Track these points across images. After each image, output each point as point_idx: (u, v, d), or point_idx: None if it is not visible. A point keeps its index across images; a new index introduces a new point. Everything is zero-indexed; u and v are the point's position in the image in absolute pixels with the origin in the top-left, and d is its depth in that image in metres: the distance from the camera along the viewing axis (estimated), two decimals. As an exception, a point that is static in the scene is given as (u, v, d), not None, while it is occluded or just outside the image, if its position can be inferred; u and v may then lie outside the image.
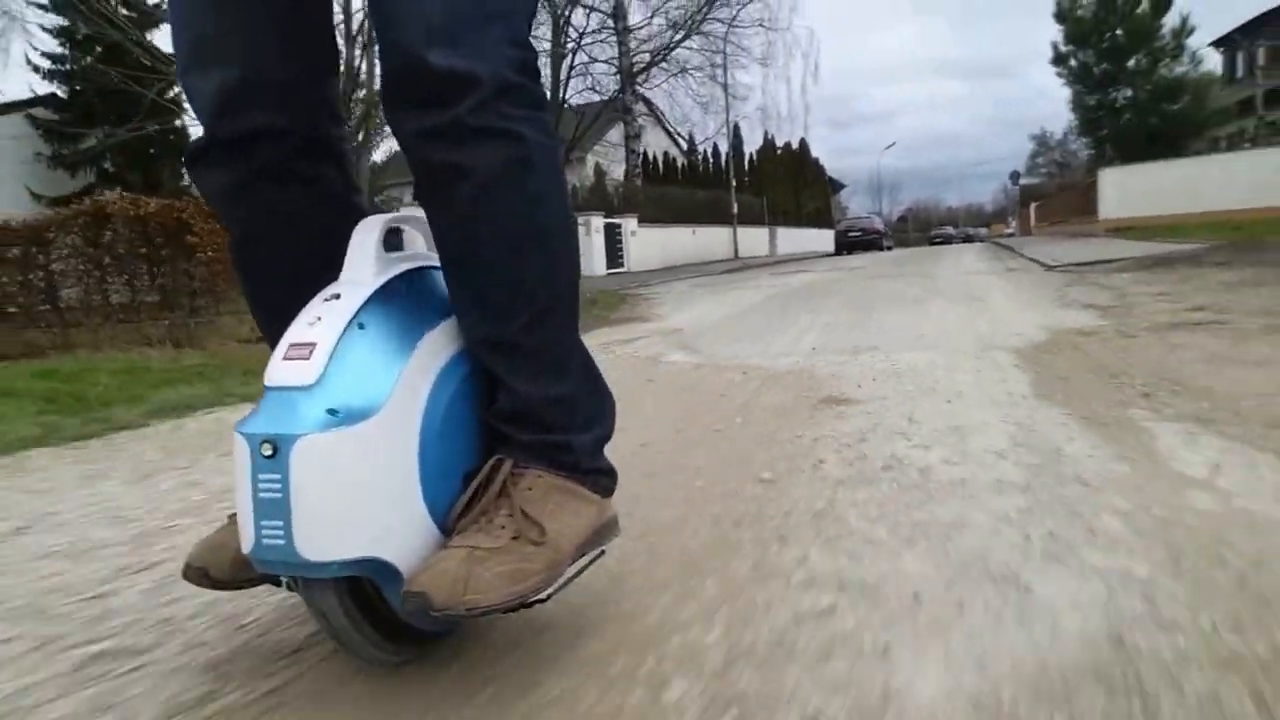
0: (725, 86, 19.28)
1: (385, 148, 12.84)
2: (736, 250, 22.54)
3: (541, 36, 16.69)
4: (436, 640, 0.94)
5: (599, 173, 19.55)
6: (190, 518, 1.55)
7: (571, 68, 17.79)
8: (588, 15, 18.12)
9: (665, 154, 24.24)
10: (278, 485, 0.77)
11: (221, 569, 0.89)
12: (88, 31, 14.84)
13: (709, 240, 20.97)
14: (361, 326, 0.83)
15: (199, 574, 0.90)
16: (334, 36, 1.03)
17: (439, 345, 0.90)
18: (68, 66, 16.35)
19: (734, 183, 23.15)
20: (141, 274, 7.62)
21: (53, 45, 16.34)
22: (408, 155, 0.86)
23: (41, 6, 15.83)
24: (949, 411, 2.03)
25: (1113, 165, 16.89)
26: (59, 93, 16.44)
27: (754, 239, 24.92)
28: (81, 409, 2.92)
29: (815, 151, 34.46)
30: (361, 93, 11.27)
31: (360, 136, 11.53)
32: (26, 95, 16.14)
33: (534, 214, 0.88)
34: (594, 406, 0.98)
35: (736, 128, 23.94)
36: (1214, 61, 22.68)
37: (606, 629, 0.98)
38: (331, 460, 0.77)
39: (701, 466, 1.69)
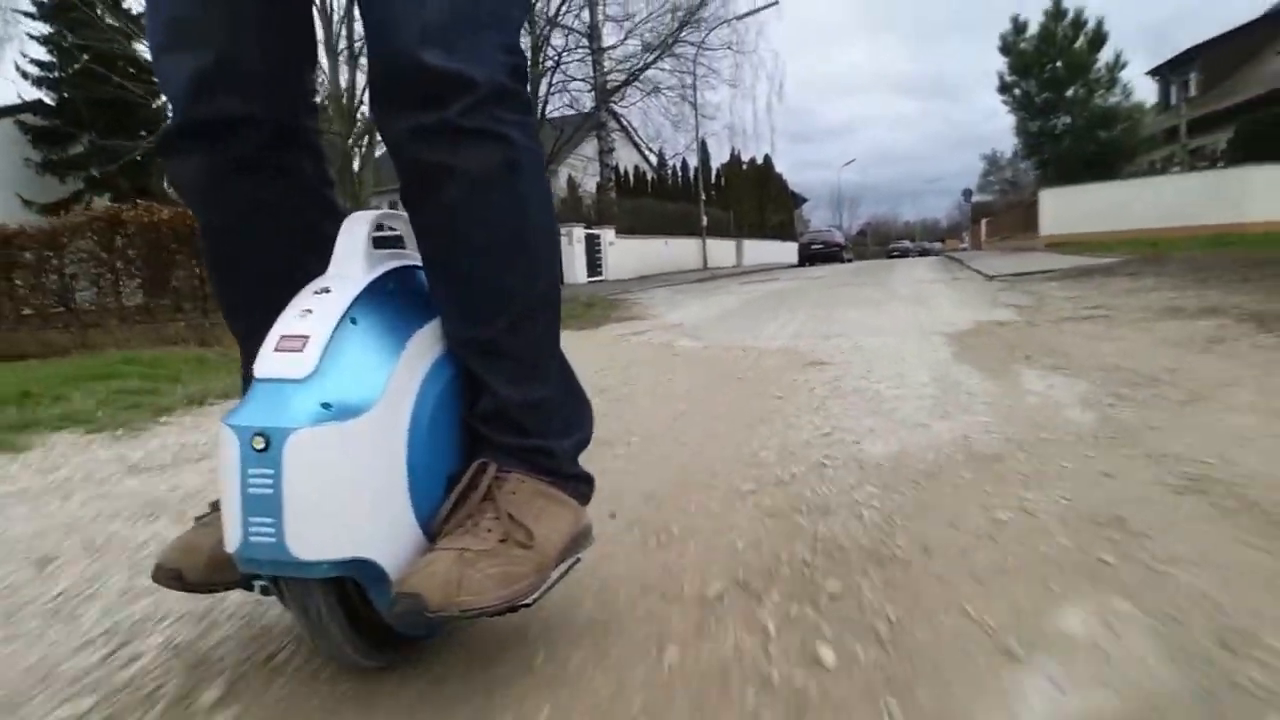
0: (695, 106, 20.33)
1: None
2: (706, 261, 23.61)
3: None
4: (414, 645, 0.93)
5: (572, 185, 20.44)
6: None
7: (550, 85, 18.68)
8: (566, 36, 19.03)
9: (636, 168, 25.22)
10: (269, 480, 0.75)
11: (195, 571, 0.87)
12: (75, 41, 15.24)
13: (680, 251, 22.00)
14: (354, 321, 0.83)
15: (170, 575, 0.87)
16: (313, 27, 1.02)
17: (426, 345, 0.90)
18: (55, 74, 16.73)
19: (703, 197, 24.24)
20: (155, 278, 8.13)
21: (40, 52, 16.75)
22: (396, 155, 0.87)
23: (30, 15, 16.24)
24: (895, 367, 2.99)
25: (1052, 186, 18.45)
26: (46, 99, 16.81)
27: (722, 250, 26.06)
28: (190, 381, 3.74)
29: (778, 166, 35.87)
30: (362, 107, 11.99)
31: (365, 144, 12.24)
32: (14, 101, 16.47)
33: (520, 217, 0.90)
34: (572, 412, 1.00)
35: (704, 143, 25.02)
36: (1151, 90, 24.57)
37: (708, 461, 1.89)
38: (325, 455, 0.76)
39: (734, 394, 2.62)
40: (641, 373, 3.28)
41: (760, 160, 32.70)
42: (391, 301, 0.88)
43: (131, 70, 15.33)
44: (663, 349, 4.25)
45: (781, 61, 41.01)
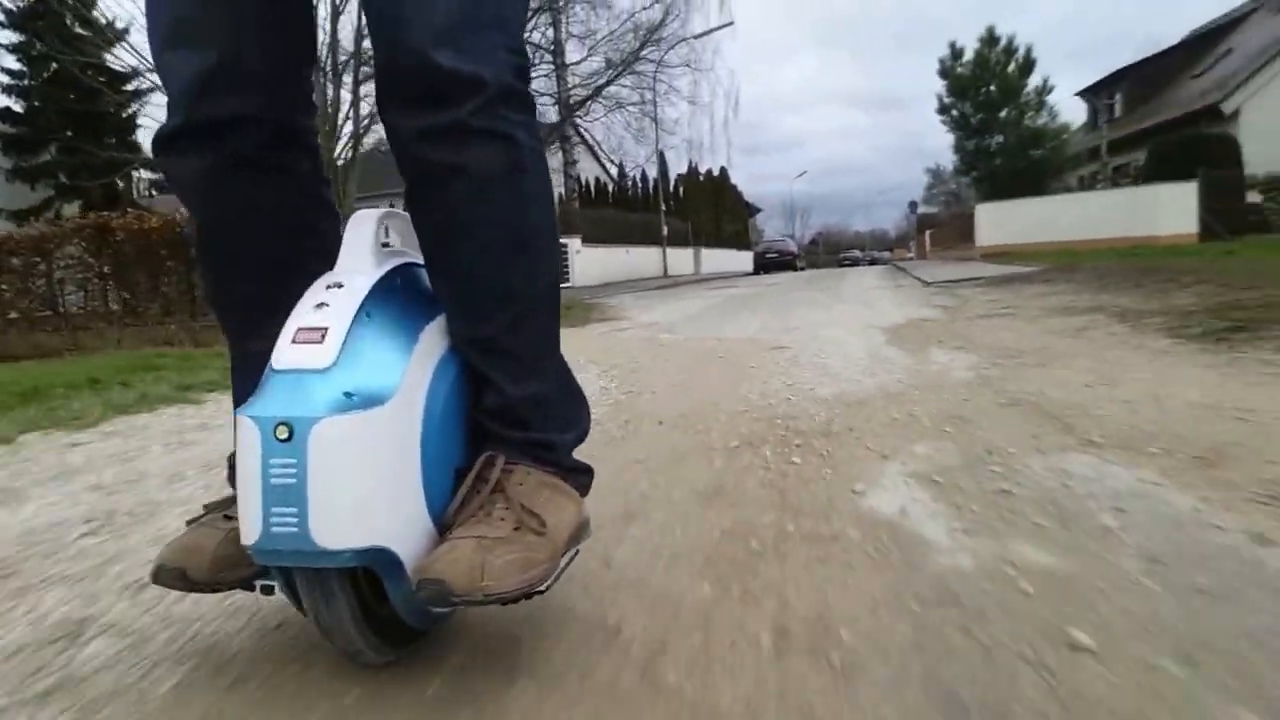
0: (656, 121, 21.29)
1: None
2: (666, 269, 24.57)
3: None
4: (421, 639, 0.96)
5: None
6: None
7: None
8: (532, 52, 19.82)
9: (597, 179, 26.09)
10: (292, 470, 0.76)
11: (200, 570, 0.87)
12: (44, 49, 15.45)
13: (641, 259, 22.91)
14: (368, 315, 0.85)
15: (175, 575, 0.87)
16: (313, 27, 1.03)
17: (434, 340, 0.92)
18: (26, 82, 16.89)
19: (663, 207, 25.21)
20: (144, 283, 8.57)
21: (10, 60, 16.90)
22: (401, 154, 0.88)
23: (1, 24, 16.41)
24: (839, 350, 3.88)
25: (988, 201, 19.96)
26: (15, 107, 16.96)
27: (681, 259, 27.07)
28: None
29: (734, 178, 37.14)
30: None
31: (349, 154, 12.84)
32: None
33: (524, 217, 0.92)
34: (571, 408, 1.03)
35: (663, 156, 26.00)
36: (1081, 110, 26.36)
37: (702, 416, 2.74)
38: (349, 444, 0.77)
39: (718, 367, 3.48)
40: (640, 356, 4.11)
41: (716, 172, 33.92)
42: (400, 297, 0.91)
43: (101, 79, 15.63)
44: (649, 341, 5.09)
45: (737, 79, 42.43)
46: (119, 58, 15.25)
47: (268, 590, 0.89)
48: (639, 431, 2.17)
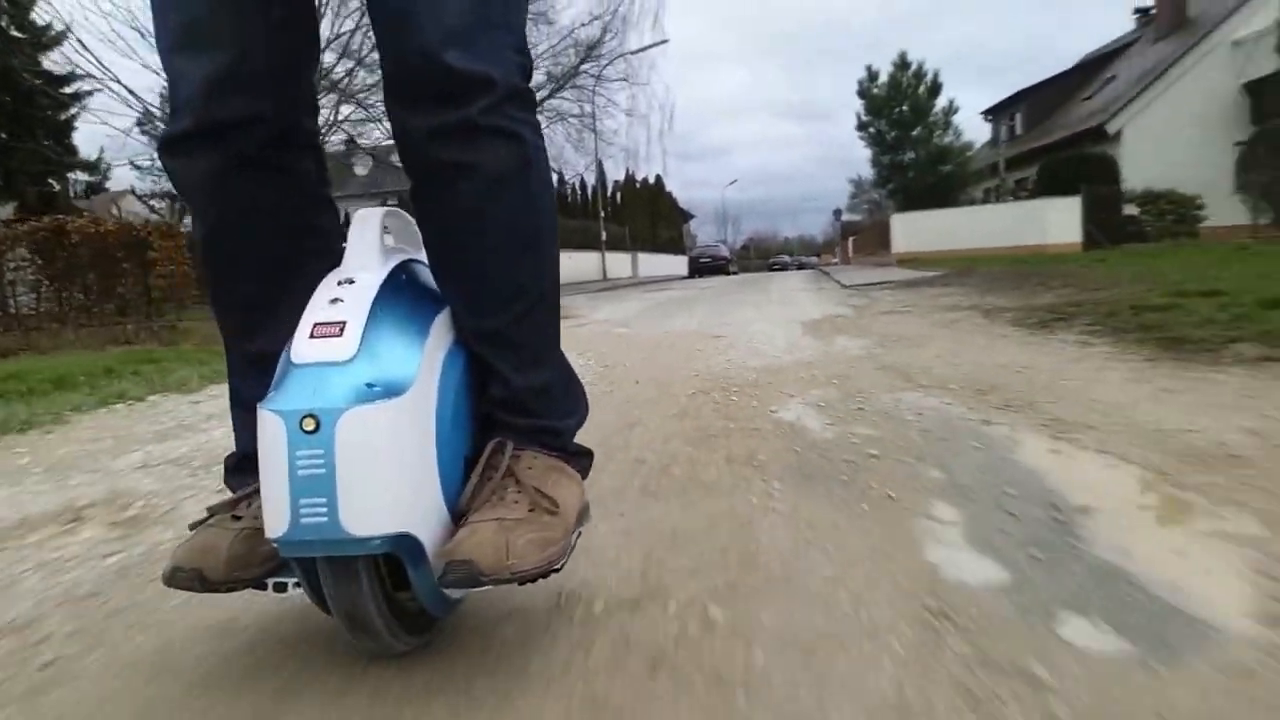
0: (596, 132, 22.11)
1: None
2: (605, 273, 25.44)
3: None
4: (438, 628, 0.99)
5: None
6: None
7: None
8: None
9: (538, 185, 26.70)
10: (320, 460, 0.78)
11: (216, 570, 0.87)
12: (-23, 50, 15.29)
13: (581, 264, 23.71)
14: (382, 309, 0.87)
15: (192, 577, 0.87)
16: (317, 27, 1.04)
17: (442, 333, 0.95)
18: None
19: (602, 213, 26.08)
20: (99, 284, 8.76)
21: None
22: (408, 152, 0.90)
23: (-71, 23, 16.13)
24: (766, 338, 4.81)
25: (902, 212, 21.60)
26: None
27: (619, 263, 27.99)
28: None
29: (668, 185, 38.36)
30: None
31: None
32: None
33: (531, 214, 0.95)
34: (572, 396, 1.08)
35: (601, 165, 26.85)
36: (987, 128, 28.41)
37: (654, 399, 3.64)
38: (374, 433, 0.79)
39: (670, 351, 4.37)
40: (603, 344, 4.97)
41: (652, 180, 35.04)
42: (408, 292, 0.93)
43: (39, 81, 15.57)
44: (606, 333, 5.95)
45: (672, 93, 43.78)
46: (57, 61, 15.23)
47: (280, 588, 0.91)
48: (623, 388, 3.03)
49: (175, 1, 0.90)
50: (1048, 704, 0.80)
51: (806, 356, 3.74)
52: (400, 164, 0.94)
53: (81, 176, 19.23)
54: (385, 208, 1.00)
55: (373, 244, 0.93)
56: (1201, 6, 22.82)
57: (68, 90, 16.94)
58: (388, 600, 0.88)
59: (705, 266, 30.29)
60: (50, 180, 17.55)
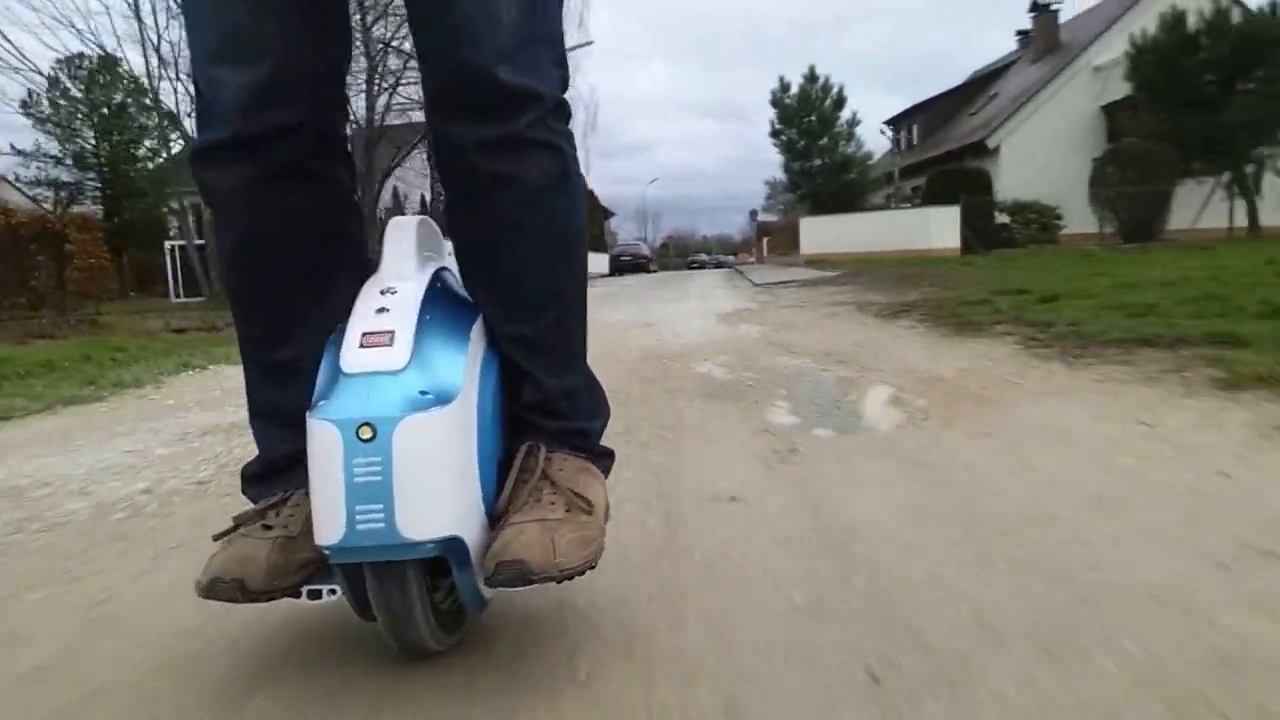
0: (524, 134, 22.91)
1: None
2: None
3: (358, 72, 19.34)
4: (469, 627, 1.03)
5: (396, 196, 22.21)
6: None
7: (388, 106, 20.52)
8: (404, 61, 20.93)
9: (464, 183, 27.29)
10: (377, 468, 0.80)
11: (256, 580, 0.88)
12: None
13: (509, 261, 24.49)
14: (428, 318, 0.89)
15: (234, 587, 0.88)
16: (350, 35, 1.05)
17: (478, 340, 0.96)
18: None
19: (528, 212, 26.92)
20: (10, 277, 8.71)
21: None
22: (454, 162, 0.93)
23: None
24: (686, 326, 6.04)
25: (809, 215, 23.46)
26: None
27: (544, 261, 28.83)
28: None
29: (591, 183, 39.36)
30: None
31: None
32: None
33: (567, 221, 0.99)
34: (596, 398, 1.12)
35: (527, 164, 27.69)
36: (885, 141, 30.70)
37: (636, 367, 4.83)
38: (428, 440, 0.82)
39: (607, 338, 5.55)
40: (556, 331, 6.11)
41: (575, 179, 35.92)
42: (446, 299, 0.95)
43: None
44: (553, 324, 7.09)
45: (596, 94, 44.78)
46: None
47: (315, 595, 0.93)
48: (585, 358, 4.21)
49: (215, 12, 0.90)
50: (795, 466, 2.02)
51: (717, 338, 4.98)
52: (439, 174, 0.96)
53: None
54: (418, 216, 1.03)
55: (411, 252, 0.96)
56: (1071, 32, 25.48)
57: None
58: (430, 601, 0.91)
59: (626, 265, 31.54)
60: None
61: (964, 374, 3.02)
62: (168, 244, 15.95)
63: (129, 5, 13.32)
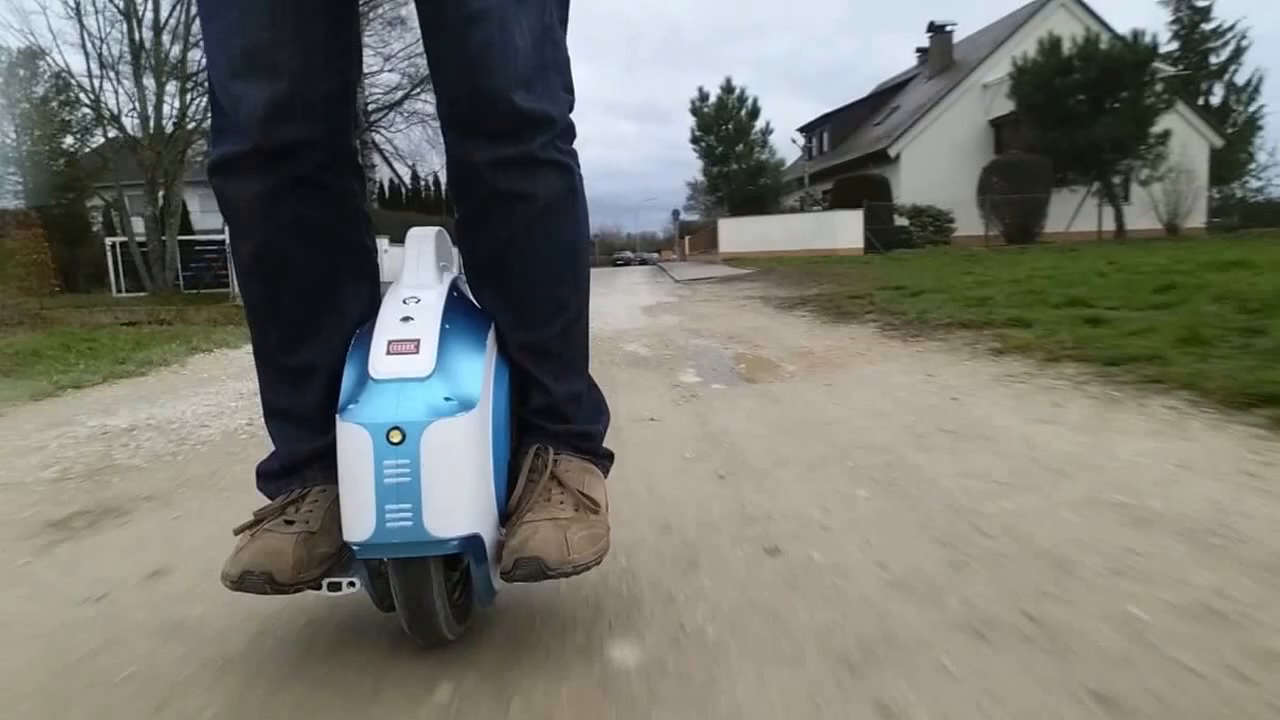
0: (453, 134, 23.34)
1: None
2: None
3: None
4: (475, 616, 1.09)
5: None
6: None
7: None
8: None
9: (391, 182, 27.53)
10: (406, 469, 0.85)
11: (284, 573, 0.91)
12: None
13: (439, 258, 24.85)
14: (448, 326, 0.93)
15: (263, 580, 0.91)
16: (362, 51, 1.10)
17: (492, 347, 1.00)
18: None
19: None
20: None
21: None
22: (467, 179, 0.97)
23: None
24: (615, 316, 6.87)
25: (727, 217, 24.69)
26: None
27: (473, 258, 29.22)
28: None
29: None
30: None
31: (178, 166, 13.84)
32: None
33: (575, 235, 1.04)
34: (598, 401, 1.17)
35: (455, 162, 28.00)
36: (798, 146, 32.24)
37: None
38: (454, 443, 0.87)
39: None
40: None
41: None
42: (461, 308, 1.00)
43: None
44: (495, 316, 7.81)
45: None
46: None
47: (335, 588, 0.96)
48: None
49: (238, 28, 0.91)
50: (695, 403, 2.87)
51: (641, 326, 5.82)
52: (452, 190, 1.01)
53: None
54: (434, 228, 1.07)
55: (431, 263, 1.01)
56: (963, 52, 27.46)
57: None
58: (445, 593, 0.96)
59: (555, 262, 31.96)
60: None
61: (829, 349, 3.95)
62: (110, 240, 15.78)
63: (69, 7, 13.27)
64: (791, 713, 0.86)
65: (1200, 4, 33.22)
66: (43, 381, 3.71)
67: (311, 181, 0.98)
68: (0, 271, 9.61)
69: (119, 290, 14.93)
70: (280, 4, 0.90)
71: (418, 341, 0.90)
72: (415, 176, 28.86)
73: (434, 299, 0.96)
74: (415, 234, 1.03)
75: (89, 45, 13.14)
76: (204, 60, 1.13)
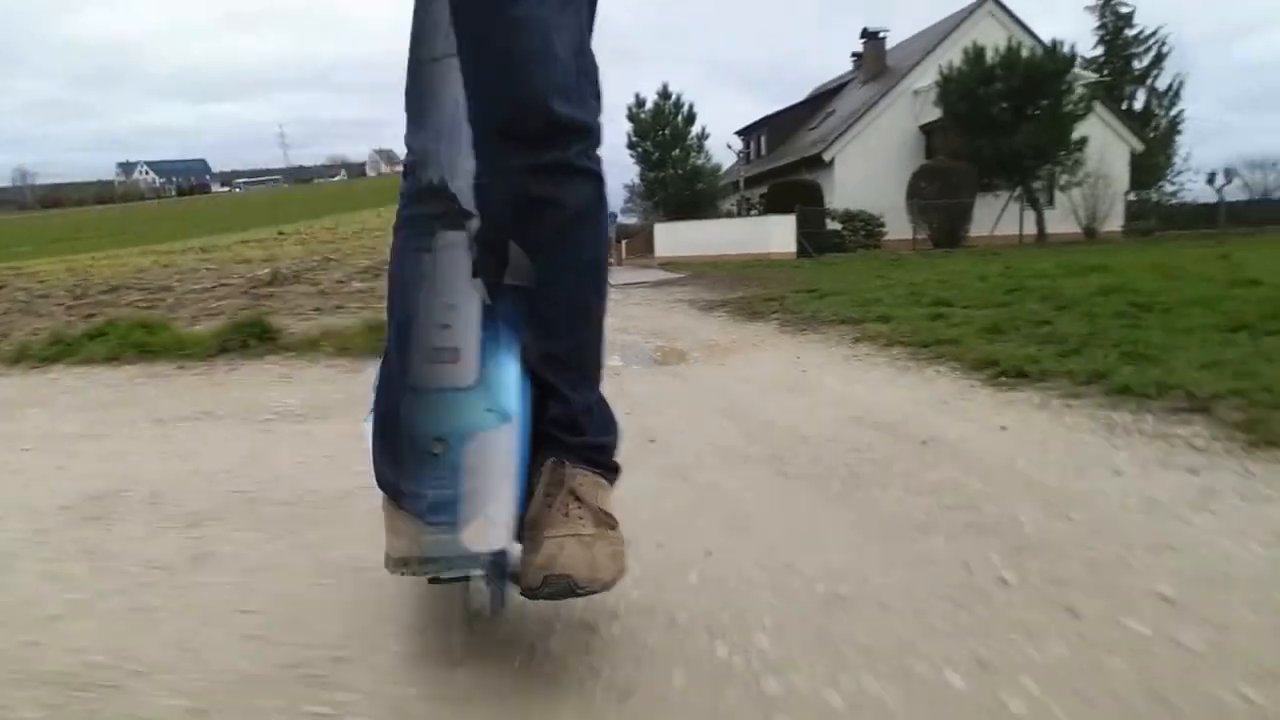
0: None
1: None
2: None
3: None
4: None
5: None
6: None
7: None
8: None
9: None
10: (446, 481, 0.87)
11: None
12: None
13: (369, 263, 25.35)
14: (485, 335, 0.97)
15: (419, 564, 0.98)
16: None
17: (519, 358, 1.03)
18: None
19: (387, 214, 27.79)
20: None
21: None
22: (503, 186, 1.01)
23: None
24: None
25: (663, 221, 26.05)
26: None
27: (403, 262, 29.71)
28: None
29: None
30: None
31: None
32: None
33: (599, 243, 1.11)
34: (609, 413, 1.21)
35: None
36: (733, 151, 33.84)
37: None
38: (494, 455, 0.88)
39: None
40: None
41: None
42: (495, 317, 1.02)
43: None
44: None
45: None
46: None
47: (437, 579, 1.00)
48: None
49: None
50: (616, 379, 3.97)
51: (579, 326, 6.86)
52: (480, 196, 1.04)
53: None
54: (463, 233, 1.06)
55: (466, 271, 1.01)
56: (895, 58, 29.38)
57: None
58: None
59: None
60: None
61: (733, 341, 5.09)
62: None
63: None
64: (652, 489, 1.95)
65: (1124, 10, 36.23)
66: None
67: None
68: None
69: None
70: None
71: (457, 350, 0.94)
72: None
73: (471, 308, 0.99)
74: (448, 240, 1.05)
75: None
76: None
